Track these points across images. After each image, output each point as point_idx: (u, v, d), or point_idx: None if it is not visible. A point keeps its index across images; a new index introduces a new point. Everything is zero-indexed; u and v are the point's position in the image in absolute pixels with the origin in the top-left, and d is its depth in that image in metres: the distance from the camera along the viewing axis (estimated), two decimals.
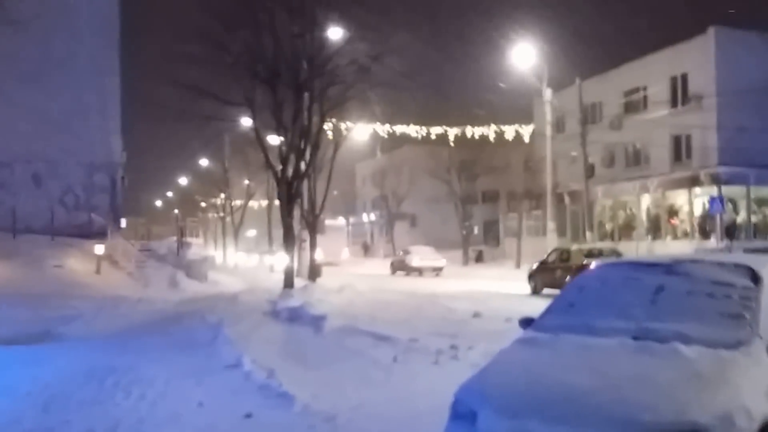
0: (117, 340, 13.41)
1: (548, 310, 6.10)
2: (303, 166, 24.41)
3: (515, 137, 38.34)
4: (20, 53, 28.67)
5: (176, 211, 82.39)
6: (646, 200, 35.09)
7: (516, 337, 5.79)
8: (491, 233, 55.62)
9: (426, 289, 27.15)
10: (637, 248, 33.64)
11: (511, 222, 46.83)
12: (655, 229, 34.06)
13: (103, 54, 31.70)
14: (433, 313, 17.80)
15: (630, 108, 37.40)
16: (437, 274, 38.75)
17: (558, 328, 5.50)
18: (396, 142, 52.56)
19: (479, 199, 57.35)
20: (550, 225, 34.42)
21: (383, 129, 33.93)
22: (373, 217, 70.85)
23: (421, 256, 40.47)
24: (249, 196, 58.30)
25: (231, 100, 23.95)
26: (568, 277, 23.34)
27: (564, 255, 26.36)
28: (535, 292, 25.83)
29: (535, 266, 27.58)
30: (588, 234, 34.29)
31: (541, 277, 26.30)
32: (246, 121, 38.07)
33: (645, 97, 36.45)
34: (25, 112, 29.01)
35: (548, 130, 34.18)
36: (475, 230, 56.59)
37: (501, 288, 27.94)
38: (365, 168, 69.87)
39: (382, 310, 18.81)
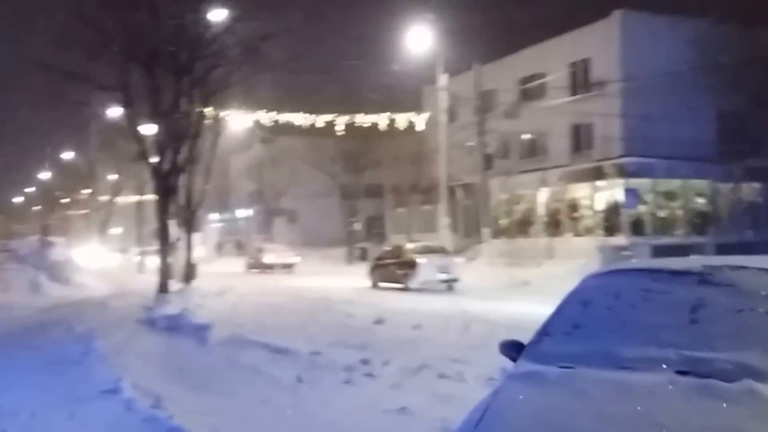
0: None
1: (545, 332, 4.76)
2: (181, 157, 22.94)
3: (405, 127, 37.71)
4: None
5: (37, 207, 78.08)
6: (544, 194, 34.87)
7: (511, 371, 4.63)
8: (375, 229, 55.05)
9: (311, 292, 26.09)
10: (536, 245, 33.55)
11: (399, 217, 46.27)
12: (554, 224, 33.93)
13: None
14: (330, 320, 17.02)
15: (527, 96, 37.03)
16: (289, 271, 41.00)
17: (567, 358, 4.28)
18: (275, 132, 51.24)
19: (363, 193, 56.59)
20: (444, 220, 33.93)
21: (268, 117, 32.51)
22: (249, 212, 69.01)
23: (274, 254, 43.14)
24: (116, 191, 55.64)
25: (103, 84, 22.17)
26: (399, 272, 27.14)
27: (397, 252, 28.89)
28: (374, 286, 28.42)
29: (372, 262, 30.13)
30: (484, 230, 34.03)
31: (379, 272, 28.81)
32: (114, 111, 36.38)
33: (544, 85, 36.07)
34: None
35: (442, 118, 33.57)
36: (357, 226, 55.66)
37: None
38: (241, 161, 67.90)
39: (271, 315, 17.93)
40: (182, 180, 24.81)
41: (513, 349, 4.86)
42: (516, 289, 25.73)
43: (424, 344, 12.96)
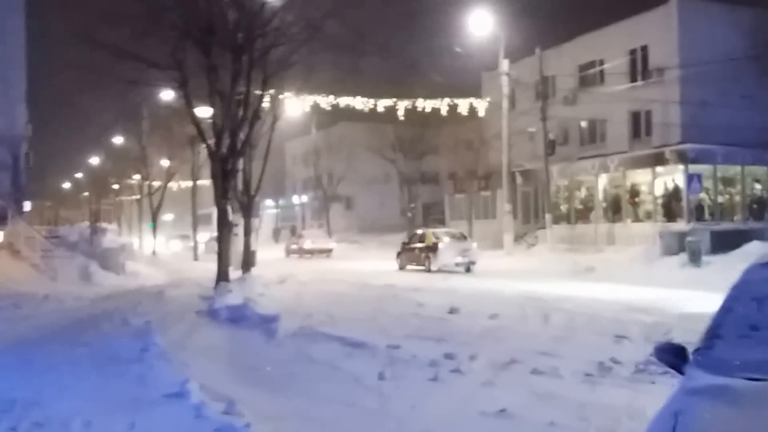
0: (17, 354, 10.76)
1: (716, 335, 3.95)
2: (239, 140, 21.89)
3: (465, 113, 36.35)
4: None
5: (87, 193, 78.01)
6: (604, 180, 33.59)
7: (688, 385, 3.62)
8: (432, 216, 53.79)
9: (372, 278, 25.16)
10: (596, 230, 32.31)
11: (457, 203, 45.04)
12: (614, 210, 32.61)
13: (5, 10, 28.15)
14: (400, 309, 15.86)
15: (586, 82, 35.95)
16: (327, 256, 42.24)
17: (752, 367, 3.44)
18: (331, 118, 50.35)
19: (420, 179, 55.39)
20: (507, 206, 32.71)
21: (326, 101, 31.41)
22: (305, 199, 68.26)
23: (312, 239, 44.59)
24: (170, 176, 55.04)
25: (157, 62, 21.13)
26: (422, 255, 29.40)
27: (421, 237, 30.66)
28: (401, 268, 30.47)
29: (400, 247, 32.03)
30: (547, 216, 32.69)
31: (405, 256, 30.92)
32: (167, 94, 35.59)
33: (602, 72, 35.01)
34: None
35: (505, 104, 32.45)
36: (415, 213, 54.57)
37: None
38: (296, 147, 67.11)
39: (337, 305, 16.81)
40: (240, 164, 23.87)
41: (673, 354, 4.11)
42: (582, 276, 24.76)
43: (506, 335, 11.81)
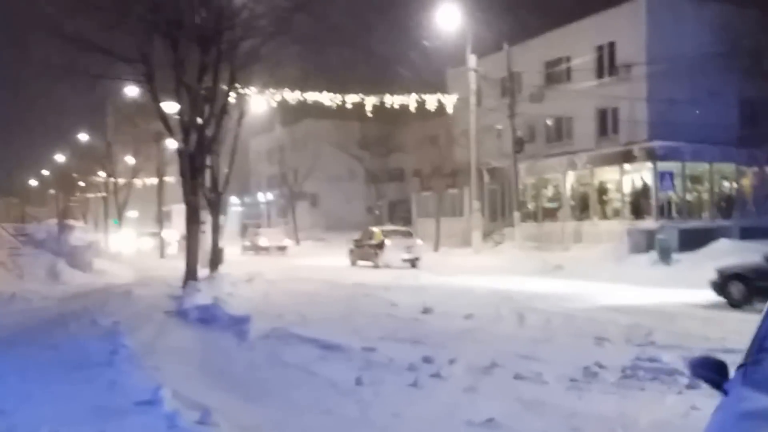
0: None
1: (763, 348, 3.44)
2: (207, 135, 21.44)
3: (430, 110, 36.12)
4: None
5: (52, 191, 76.64)
6: (571, 177, 33.55)
7: (736, 407, 3.13)
8: (398, 214, 53.62)
9: (341, 276, 25.02)
10: (563, 228, 32.28)
11: (424, 201, 44.83)
12: (582, 208, 32.59)
13: None
14: (372, 308, 15.63)
15: (552, 79, 35.78)
16: (283, 253, 43.68)
17: None
18: (295, 115, 49.88)
19: (387, 177, 55.18)
20: (475, 204, 32.54)
21: (292, 96, 30.94)
22: (270, 196, 67.62)
23: (268, 237, 46.10)
24: (135, 172, 54.19)
25: (123, 55, 20.58)
26: (371, 252, 31.09)
27: (370, 235, 32.31)
28: (353, 264, 32.28)
29: (352, 244, 33.61)
30: (515, 214, 32.56)
31: (357, 252, 32.68)
32: (132, 89, 34.86)
33: (569, 68, 34.82)
34: None
35: (472, 100, 32.25)
36: (380, 210, 54.32)
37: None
38: (261, 143, 66.41)
39: (308, 304, 16.51)
40: (208, 161, 23.40)
41: (713, 370, 3.54)
42: (551, 273, 24.85)
43: (483, 337, 11.62)
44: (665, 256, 23.98)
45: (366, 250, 31.61)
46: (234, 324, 12.96)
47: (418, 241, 31.90)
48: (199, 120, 21.07)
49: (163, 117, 21.85)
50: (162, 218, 44.73)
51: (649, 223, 28.03)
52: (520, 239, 31.89)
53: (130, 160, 54.02)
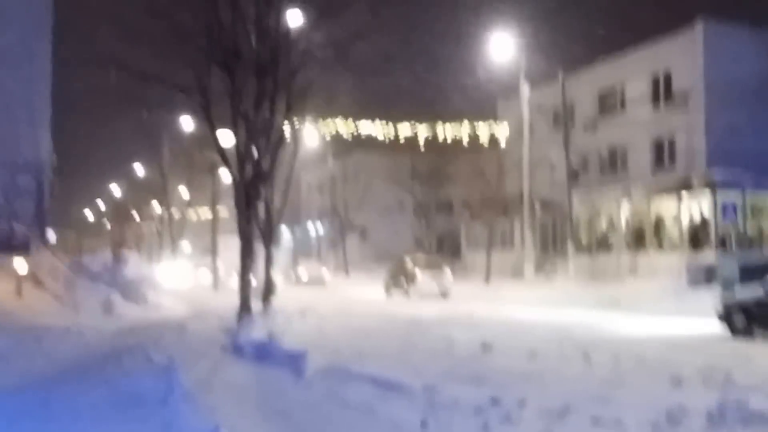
0: (34, 394, 10.02)
1: None
2: (264, 165, 21.26)
3: (483, 141, 35.66)
4: None
5: (108, 223, 77.65)
6: (626, 208, 32.57)
7: None
8: (446, 245, 52.91)
9: (393, 310, 24.57)
10: (618, 261, 31.30)
11: (474, 232, 44.14)
12: (637, 239, 31.57)
13: (31, 33, 27.44)
14: (429, 344, 15.04)
15: (605, 109, 35.17)
16: (323, 286, 44.41)
17: None
18: (349, 146, 49.85)
19: (435, 208, 54.54)
20: (528, 235, 31.83)
21: (345, 127, 30.81)
22: (320, 229, 67.51)
23: (308, 270, 48.25)
24: (188, 204, 54.68)
25: (180, 85, 20.60)
26: (404, 281, 32.77)
27: (402, 265, 33.93)
28: (387, 293, 34.10)
29: (386, 275, 35.39)
30: (569, 245, 31.73)
31: (391, 282, 34.35)
32: (187, 121, 35.07)
33: (623, 97, 34.17)
34: None
35: (526, 131, 31.71)
36: (428, 242, 53.67)
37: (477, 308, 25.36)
38: (312, 176, 66.53)
39: (364, 339, 16.00)
40: (261, 191, 23.21)
41: None
42: (607, 307, 23.93)
43: (550, 378, 10.93)
44: (728, 289, 22.95)
45: (399, 280, 33.26)
46: (290, 360, 12.52)
47: (448, 273, 33.20)
48: (255, 150, 20.92)
49: (219, 148, 21.75)
50: (216, 251, 44.71)
51: (708, 255, 26.94)
52: (573, 271, 31.02)
53: (183, 191, 54.53)
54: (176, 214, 55.40)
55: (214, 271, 42.80)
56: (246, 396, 10.10)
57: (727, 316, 16.33)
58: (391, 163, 49.12)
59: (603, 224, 34.16)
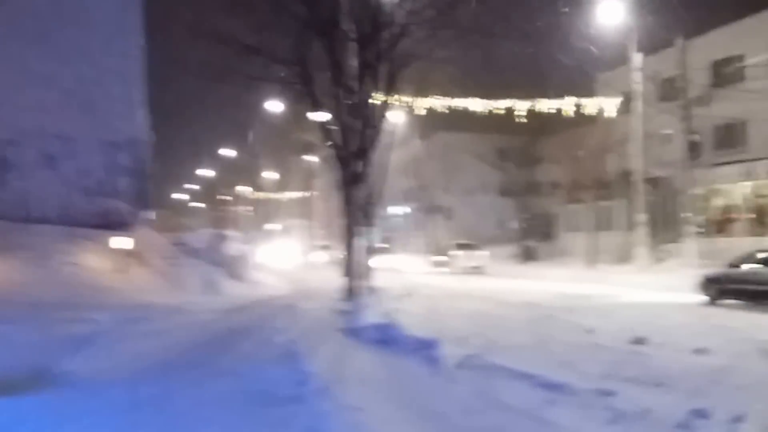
0: (150, 386, 8.65)
1: None
2: (367, 140, 19.78)
3: (573, 118, 33.16)
4: (26, 8, 24.02)
5: (196, 204, 77.97)
6: (748, 188, 29.83)
7: None
8: (535, 228, 50.65)
9: (499, 292, 23.05)
10: (740, 245, 28.54)
11: (572, 214, 41.86)
12: (761, 222, 28.87)
13: (124, 7, 26.53)
14: (565, 334, 13.34)
15: (721, 80, 32.29)
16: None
17: None
18: (432, 127, 47.96)
19: (524, 190, 52.26)
20: (641, 217, 29.47)
21: (440, 103, 28.96)
22: (407, 209, 65.96)
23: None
24: (281, 186, 54.05)
25: (279, 56, 19.30)
26: (446, 261, 39.44)
27: (444, 247, 40.76)
28: (431, 270, 38.87)
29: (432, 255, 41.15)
30: (687, 227, 29.24)
31: (435, 261, 40.13)
32: (276, 105, 33.80)
33: (742, 68, 31.25)
34: (32, 78, 23.94)
35: (638, 103, 29.26)
36: (514, 224, 51.36)
37: (586, 290, 23.72)
38: (398, 157, 64.79)
39: (486, 327, 14.38)
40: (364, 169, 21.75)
41: None
42: None
43: (743, 381, 8.87)
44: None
45: (441, 259, 38.74)
46: (419, 348, 11.02)
47: (486, 253, 38.91)
48: (359, 125, 19.47)
49: (321, 123, 20.41)
50: (310, 231, 43.81)
51: None
52: (691, 255, 28.53)
53: (274, 174, 53.88)
54: (266, 195, 54.86)
55: (307, 250, 41.95)
56: (387, 392, 8.59)
57: (704, 287, 20.35)
58: (478, 143, 46.95)
59: (720, 205, 31.46)
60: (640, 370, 9.68)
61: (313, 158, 47.78)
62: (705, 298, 19.88)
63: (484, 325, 14.72)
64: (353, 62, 19.33)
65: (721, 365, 9.85)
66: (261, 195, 53.62)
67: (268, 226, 52.24)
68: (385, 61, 19.64)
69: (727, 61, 32.18)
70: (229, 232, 34.51)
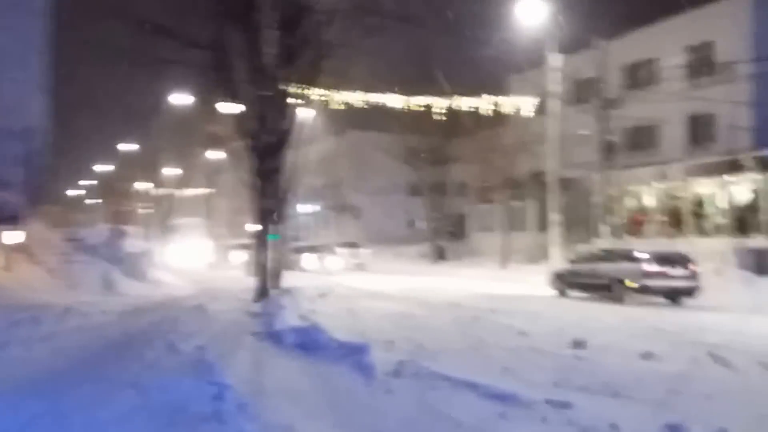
0: (37, 401, 7.30)
1: None
2: (283, 132, 18.73)
3: (482, 119, 32.79)
4: None
5: (99, 199, 74.80)
6: (660, 189, 30.07)
7: None
8: (448, 227, 50.28)
9: (418, 292, 22.47)
10: (652, 246, 28.77)
11: (481, 214, 41.63)
12: (674, 223, 29.09)
13: None
14: (497, 337, 12.56)
15: (635, 83, 32.56)
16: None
17: None
18: (341, 125, 47.01)
19: (429, 189, 51.77)
20: (554, 216, 29.26)
21: (359, 98, 28.04)
22: (317, 208, 64.75)
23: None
24: (182, 183, 51.96)
25: (194, 40, 18.01)
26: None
27: (323, 246, 39.19)
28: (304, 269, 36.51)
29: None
30: (602, 228, 29.26)
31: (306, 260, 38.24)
32: (182, 97, 32.12)
33: (654, 71, 31.66)
34: None
35: (553, 103, 29.05)
36: (420, 224, 50.88)
37: (494, 289, 24.22)
38: (309, 153, 63.48)
39: (413, 329, 13.48)
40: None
41: None
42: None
43: (708, 390, 8.12)
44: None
45: (319, 257, 38.12)
46: (347, 353, 10.03)
47: (367, 251, 39.13)
48: (276, 114, 18.33)
49: (235, 113, 19.20)
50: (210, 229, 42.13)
51: (760, 240, 24.56)
52: None
53: (176, 170, 51.79)
54: (167, 191, 52.71)
55: (210, 249, 40.32)
56: (318, 407, 7.56)
57: (553, 282, 23.10)
58: (392, 141, 46.13)
59: (633, 206, 31.67)
60: (589, 377, 8.95)
61: (218, 153, 46.04)
62: (554, 291, 22.88)
63: (408, 326, 13.80)
64: (273, 50, 18.21)
65: (671, 372, 9.21)
66: (162, 191, 51.32)
67: (169, 224, 49.97)
68: (306, 50, 18.66)
69: (639, 64, 32.43)
70: (129, 229, 32.57)
